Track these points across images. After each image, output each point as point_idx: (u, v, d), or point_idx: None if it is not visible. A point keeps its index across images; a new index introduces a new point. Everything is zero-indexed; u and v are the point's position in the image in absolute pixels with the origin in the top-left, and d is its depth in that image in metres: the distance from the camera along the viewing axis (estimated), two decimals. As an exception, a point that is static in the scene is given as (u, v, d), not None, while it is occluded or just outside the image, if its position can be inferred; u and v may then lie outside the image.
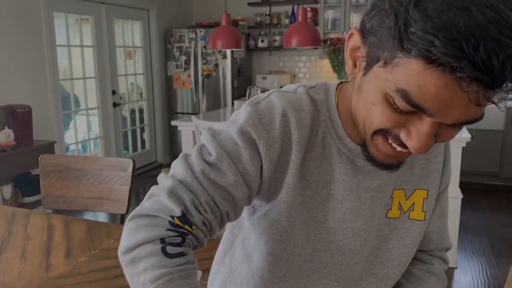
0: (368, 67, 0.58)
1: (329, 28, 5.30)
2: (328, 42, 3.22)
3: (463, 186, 2.87)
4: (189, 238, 0.65)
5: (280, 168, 0.70)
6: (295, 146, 0.69)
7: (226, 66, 5.30)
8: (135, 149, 5.50)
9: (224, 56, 5.27)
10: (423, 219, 0.77)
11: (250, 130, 0.67)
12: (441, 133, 0.57)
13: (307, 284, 0.75)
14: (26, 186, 3.45)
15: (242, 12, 5.66)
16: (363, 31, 0.58)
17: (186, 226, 0.65)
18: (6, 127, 3.26)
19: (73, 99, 4.59)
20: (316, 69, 5.71)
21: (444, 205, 0.84)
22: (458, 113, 0.52)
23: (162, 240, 0.63)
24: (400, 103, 0.54)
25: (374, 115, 0.59)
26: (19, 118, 3.36)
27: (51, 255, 1.47)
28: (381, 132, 0.60)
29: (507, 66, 0.46)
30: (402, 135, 0.58)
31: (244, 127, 0.68)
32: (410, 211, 0.76)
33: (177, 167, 0.68)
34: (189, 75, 5.48)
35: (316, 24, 5.42)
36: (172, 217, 0.64)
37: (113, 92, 4.92)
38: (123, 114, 5.26)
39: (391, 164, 0.65)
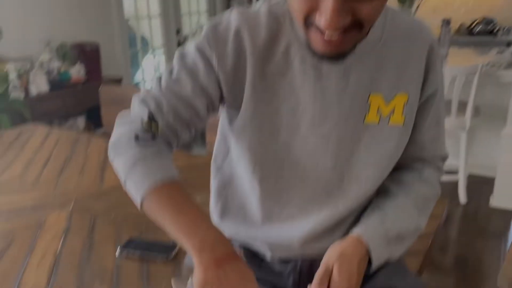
0: None
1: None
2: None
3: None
4: (158, 137, 0.75)
5: (238, 81, 0.75)
6: (250, 60, 0.74)
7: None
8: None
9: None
10: (402, 124, 0.77)
11: (205, 47, 0.75)
12: (358, 9, 0.60)
13: (287, 187, 0.80)
14: (97, 119, 3.72)
15: None
16: None
17: (154, 128, 0.74)
18: (77, 63, 3.50)
19: (139, 40, 4.76)
20: None
21: (440, 114, 0.83)
22: None
23: (136, 136, 0.74)
24: None
25: (295, 5, 0.65)
26: (88, 55, 3.58)
27: (105, 171, 1.63)
28: (308, 22, 0.64)
29: None
30: (317, 17, 0.62)
31: (200, 44, 0.76)
32: (390, 116, 0.76)
33: (152, 84, 0.80)
34: (252, 13, 5.43)
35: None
36: (142, 121, 0.75)
37: (177, 32, 5.03)
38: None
39: (331, 54, 0.67)
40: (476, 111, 2.84)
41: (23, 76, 3.10)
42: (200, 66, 0.75)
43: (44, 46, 3.39)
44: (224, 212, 0.88)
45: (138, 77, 4.80)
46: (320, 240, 0.81)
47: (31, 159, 1.77)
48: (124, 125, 0.77)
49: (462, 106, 2.73)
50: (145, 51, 4.89)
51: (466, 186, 2.92)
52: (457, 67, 2.64)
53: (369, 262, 0.76)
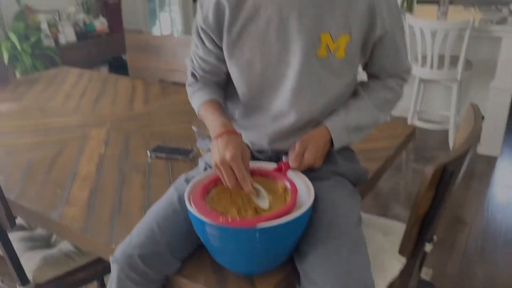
0: None
1: None
2: None
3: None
4: (200, 81, 1.16)
5: (220, 32, 1.05)
6: (227, 14, 1.00)
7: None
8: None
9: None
10: (343, 57, 1.01)
11: (200, 19, 1.05)
12: None
13: (261, 101, 1.08)
14: (119, 68, 4.02)
15: None
16: None
17: (195, 78, 1.16)
18: (100, 15, 3.77)
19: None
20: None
21: (397, 47, 1.06)
22: None
23: (189, 83, 1.19)
24: None
25: None
26: (111, 9, 3.83)
27: (133, 102, 1.94)
28: None
29: None
30: None
31: (199, 18, 1.06)
32: (335, 51, 1.00)
33: (192, 45, 1.15)
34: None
35: None
36: (189, 73, 1.18)
37: (193, -12, 5.22)
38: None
39: None
40: (468, 64, 3.06)
41: (53, 27, 3.38)
42: (201, 32, 1.08)
43: (70, 0, 3.66)
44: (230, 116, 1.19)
45: (155, 30, 5.05)
46: (283, 140, 1.09)
47: (70, 93, 2.09)
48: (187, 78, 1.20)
49: (455, 60, 2.96)
50: (162, 7, 5.11)
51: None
52: (449, 22, 2.85)
53: (332, 144, 1.05)
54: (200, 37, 1.09)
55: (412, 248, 1.00)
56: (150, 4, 4.75)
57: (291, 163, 1.00)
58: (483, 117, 1.04)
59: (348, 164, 1.12)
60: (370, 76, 1.14)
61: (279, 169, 0.99)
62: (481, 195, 2.63)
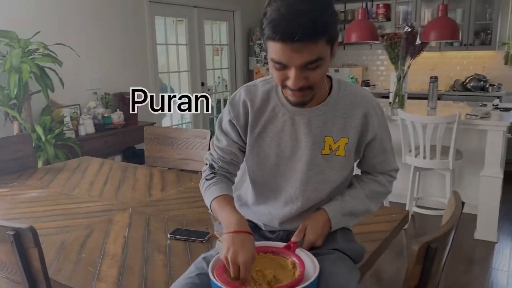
0: (266, 51, 1.09)
1: (401, 23, 5.56)
2: (385, 37, 3.59)
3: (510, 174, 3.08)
4: (217, 174, 1.29)
5: (246, 129, 1.25)
6: (251, 115, 1.23)
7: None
8: (219, 134, 6.23)
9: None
10: (344, 155, 1.23)
11: (228, 115, 1.26)
12: (308, 76, 1.06)
13: (272, 190, 1.27)
14: (131, 158, 4.27)
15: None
16: None
17: (213, 170, 1.30)
18: (117, 109, 4.09)
19: (169, 89, 5.39)
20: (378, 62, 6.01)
21: (384, 147, 1.28)
22: (298, 59, 1.02)
23: (206, 177, 1.30)
24: (274, 64, 1.06)
25: (275, 77, 1.11)
26: (127, 103, 4.18)
27: (151, 189, 2.13)
28: (283, 85, 1.11)
29: (289, 33, 0.98)
30: (288, 83, 1.08)
31: (226, 112, 1.28)
32: (336, 150, 1.22)
33: (211, 145, 1.37)
34: (267, 69, 6.06)
35: (388, 19, 5.72)
36: (208, 168, 1.32)
37: (202, 84, 5.66)
38: (211, 104, 6.00)
39: (298, 102, 1.13)
40: (458, 154, 3.29)
41: (74, 120, 3.68)
42: (228, 127, 1.27)
43: (91, 95, 4.01)
44: (237, 201, 1.36)
45: (165, 121, 5.39)
46: (292, 222, 1.27)
47: (93, 180, 2.29)
48: (203, 172, 1.34)
49: (446, 150, 3.19)
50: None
51: (454, 221, 3.31)
52: (438, 116, 3.13)
53: (330, 226, 1.23)
54: (226, 131, 1.28)
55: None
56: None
57: (294, 238, 1.17)
58: (463, 203, 1.23)
59: (347, 243, 1.28)
60: (363, 172, 1.36)
61: (288, 247, 1.15)
62: (482, 280, 2.70)
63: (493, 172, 3.09)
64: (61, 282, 1.30)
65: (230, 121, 1.27)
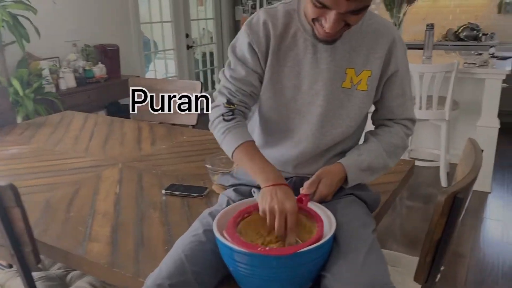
0: None
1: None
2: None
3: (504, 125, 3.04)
4: (236, 112, 1.15)
5: (267, 55, 1.13)
6: (272, 40, 1.12)
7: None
8: (206, 88, 6.05)
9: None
10: (366, 89, 1.13)
11: (247, 37, 1.13)
12: (348, 19, 0.97)
13: (288, 125, 1.16)
14: (116, 113, 4.09)
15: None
16: None
17: (232, 106, 1.15)
18: (99, 62, 3.88)
19: (152, 44, 5.15)
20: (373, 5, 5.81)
21: (404, 88, 1.18)
22: (345, 6, 0.93)
23: (222, 115, 1.15)
24: (314, 3, 0.96)
25: (309, 10, 1.01)
26: (109, 55, 3.96)
27: (141, 144, 2.00)
28: (315, 20, 1.01)
29: None
30: (323, 21, 0.99)
31: (242, 37, 1.14)
32: (358, 84, 1.13)
33: (220, 77, 1.19)
34: (255, 20, 5.82)
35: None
36: (223, 105, 1.15)
37: (187, 35, 5.42)
38: (196, 57, 5.78)
39: (327, 40, 1.04)
40: (455, 104, 3.21)
41: (54, 73, 3.47)
42: (246, 52, 1.13)
43: (70, 47, 3.77)
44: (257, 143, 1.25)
45: (150, 75, 5.19)
46: (306, 165, 1.18)
47: (78, 135, 2.15)
48: (215, 110, 1.18)
49: (442, 100, 3.11)
50: (156, 53, 5.28)
51: (447, 173, 3.29)
52: (436, 65, 3.02)
53: (346, 181, 1.13)
54: (243, 58, 1.15)
55: (427, 275, 1.05)
56: (146, 50, 4.90)
57: (305, 189, 1.08)
58: (482, 150, 1.15)
59: (361, 190, 1.20)
60: (378, 125, 1.25)
61: (299, 200, 1.06)
62: (476, 230, 2.70)
63: (490, 122, 3.03)
64: (48, 243, 1.19)
65: (250, 45, 1.13)
